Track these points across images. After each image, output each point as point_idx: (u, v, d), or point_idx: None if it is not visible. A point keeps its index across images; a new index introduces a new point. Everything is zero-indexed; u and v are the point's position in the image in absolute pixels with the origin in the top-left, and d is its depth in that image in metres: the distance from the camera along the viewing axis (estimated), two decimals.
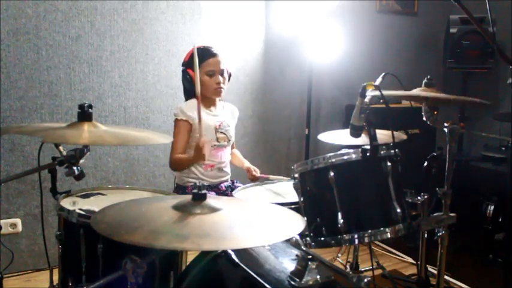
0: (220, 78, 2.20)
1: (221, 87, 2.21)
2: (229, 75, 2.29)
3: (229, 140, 2.29)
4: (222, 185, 2.28)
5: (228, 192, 2.24)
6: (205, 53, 2.19)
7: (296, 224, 1.17)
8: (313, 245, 1.47)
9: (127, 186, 2.03)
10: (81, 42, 2.74)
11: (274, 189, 2.06)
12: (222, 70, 2.21)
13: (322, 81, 3.49)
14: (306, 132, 3.37)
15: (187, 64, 2.20)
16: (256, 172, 2.35)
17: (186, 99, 2.28)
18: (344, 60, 3.45)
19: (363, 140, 1.59)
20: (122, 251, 1.22)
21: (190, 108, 2.17)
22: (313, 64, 3.33)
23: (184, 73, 2.21)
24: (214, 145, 2.23)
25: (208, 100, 2.25)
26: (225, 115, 2.31)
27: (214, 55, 2.20)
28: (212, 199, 1.21)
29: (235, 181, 2.35)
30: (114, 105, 2.88)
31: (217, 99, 2.30)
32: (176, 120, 2.20)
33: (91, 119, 1.46)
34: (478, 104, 1.81)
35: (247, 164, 2.42)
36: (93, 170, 2.83)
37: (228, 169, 2.33)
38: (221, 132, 2.25)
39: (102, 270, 1.48)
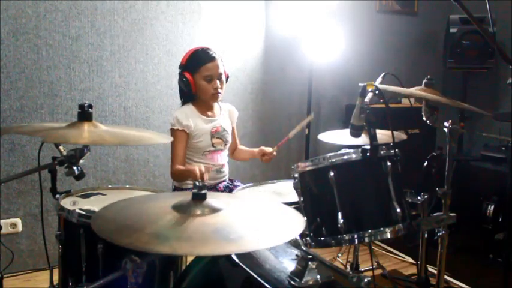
0: (218, 83, 2.17)
1: (218, 93, 2.18)
2: (227, 77, 2.27)
3: (226, 144, 2.28)
4: (220, 185, 2.28)
5: (226, 191, 2.24)
6: (203, 57, 2.16)
7: (296, 224, 1.17)
8: (313, 245, 1.47)
9: (127, 186, 2.02)
10: (81, 42, 2.74)
11: (274, 189, 2.06)
12: (220, 74, 2.18)
13: (322, 80, 3.49)
14: (306, 132, 3.37)
15: (184, 67, 2.18)
16: (270, 149, 2.28)
17: (183, 102, 2.27)
18: (344, 60, 3.45)
19: (363, 140, 1.59)
20: (122, 251, 1.21)
21: (186, 116, 2.17)
22: (313, 64, 3.33)
23: (181, 76, 2.18)
24: (210, 150, 2.23)
25: (204, 104, 2.24)
26: (221, 119, 2.29)
27: (212, 59, 2.16)
28: (212, 199, 1.21)
29: (234, 180, 2.35)
30: (114, 105, 2.88)
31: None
32: (172, 130, 2.17)
33: (91, 119, 1.46)
34: (477, 111, 1.80)
35: (257, 149, 2.35)
36: (93, 170, 2.83)
37: (226, 169, 2.32)
38: (217, 138, 2.24)
39: (102, 270, 1.49)
